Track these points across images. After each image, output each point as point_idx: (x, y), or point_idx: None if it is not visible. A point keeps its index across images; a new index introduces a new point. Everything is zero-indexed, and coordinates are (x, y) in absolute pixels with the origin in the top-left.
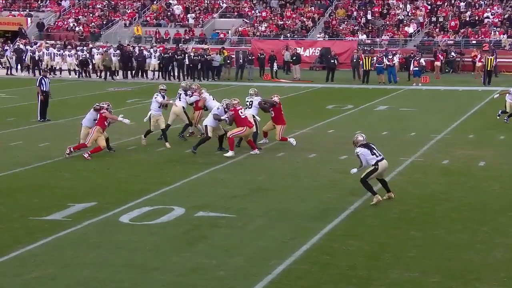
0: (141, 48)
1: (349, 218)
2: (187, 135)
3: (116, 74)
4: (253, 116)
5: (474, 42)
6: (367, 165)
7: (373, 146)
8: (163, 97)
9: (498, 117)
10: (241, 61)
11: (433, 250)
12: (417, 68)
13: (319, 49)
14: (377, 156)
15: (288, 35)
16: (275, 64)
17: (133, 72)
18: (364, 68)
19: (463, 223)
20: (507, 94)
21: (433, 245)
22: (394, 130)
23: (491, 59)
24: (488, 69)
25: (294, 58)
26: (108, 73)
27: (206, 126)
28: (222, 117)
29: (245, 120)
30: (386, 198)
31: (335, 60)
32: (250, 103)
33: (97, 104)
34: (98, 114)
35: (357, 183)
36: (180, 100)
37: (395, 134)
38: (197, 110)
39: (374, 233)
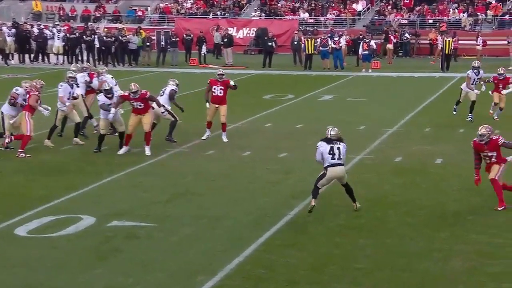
0: (42, 27)
1: (289, 225)
2: (95, 131)
3: (10, 58)
4: (163, 106)
5: (430, 21)
6: (321, 162)
7: (337, 145)
8: (71, 86)
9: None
10: (163, 43)
11: (384, 260)
12: (366, 52)
13: (255, 29)
14: (332, 159)
15: (219, 13)
16: (203, 47)
17: (32, 55)
18: (307, 52)
19: (418, 229)
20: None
21: (385, 255)
22: (340, 123)
23: (449, 41)
24: (447, 52)
25: (226, 40)
26: (0, 57)
27: (99, 119)
28: (108, 103)
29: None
30: (355, 209)
31: (273, 43)
32: (163, 91)
33: (11, 98)
34: (27, 95)
35: (298, 185)
36: (77, 86)
37: (341, 127)
38: (90, 93)
39: (318, 242)
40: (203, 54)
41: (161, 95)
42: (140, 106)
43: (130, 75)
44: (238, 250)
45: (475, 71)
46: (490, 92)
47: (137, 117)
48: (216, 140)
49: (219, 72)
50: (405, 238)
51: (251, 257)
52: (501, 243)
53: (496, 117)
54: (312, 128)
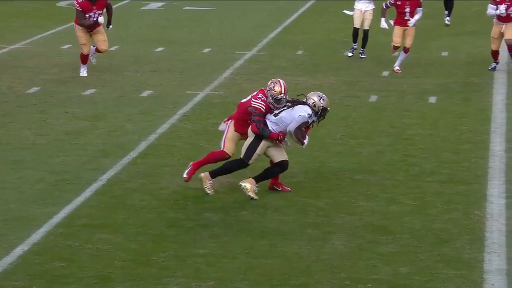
0: None
1: (100, 196)
2: None
3: None
4: None
5: None
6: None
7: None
8: None
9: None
10: None
11: (238, 242)
12: None
13: None
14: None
15: None
16: None
17: None
18: None
19: (286, 196)
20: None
21: (239, 234)
22: (175, 44)
23: None
24: None
25: None
26: None
27: None
28: None
29: None
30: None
31: None
32: None
33: None
34: None
35: (112, 136)
36: None
37: (177, 50)
38: None
39: (143, 220)
40: None
41: None
42: None
43: None
44: (19, 235)
45: None
46: (390, 23)
47: None
48: None
49: None
50: (267, 210)
51: (42, 245)
52: (397, 212)
53: (397, 67)
54: (133, 51)
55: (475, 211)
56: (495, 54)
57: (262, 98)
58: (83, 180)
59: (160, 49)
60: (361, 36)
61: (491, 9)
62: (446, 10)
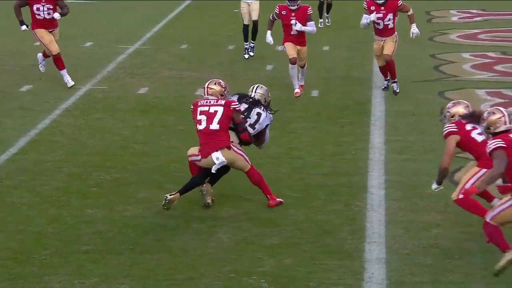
0: None
1: None
2: None
3: None
4: None
5: None
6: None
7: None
8: None
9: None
10: None
11: (121, 238)
12: None
13: None
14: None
15: None
16: None
17: None
18: None
19: (170, 190)
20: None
21: (122, 230)
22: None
23: None
24: None
25: None
26: None
27: None
28: None
29: None
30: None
31: None
32: None
33: None
34: None
35: None
36: None
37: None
38: None
39: (24, 216)
40: None
41: None
42: None
43: None
44: None
45: None
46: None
47: None
48: None
49: None
50: (153, 205)
51: None
52: (282, 205)
53: (297, 90)
54: (12, 45)
55: (356, 202)
56: (383, 70)
57: (233, 99)
58: None
59: (37, 44)
60: (250, 29)
61: (364, 19)
62: (324, 13)
